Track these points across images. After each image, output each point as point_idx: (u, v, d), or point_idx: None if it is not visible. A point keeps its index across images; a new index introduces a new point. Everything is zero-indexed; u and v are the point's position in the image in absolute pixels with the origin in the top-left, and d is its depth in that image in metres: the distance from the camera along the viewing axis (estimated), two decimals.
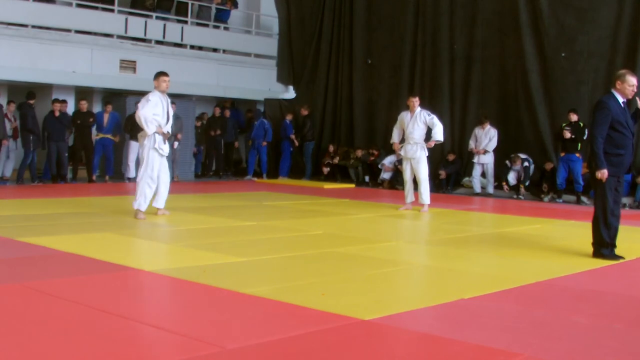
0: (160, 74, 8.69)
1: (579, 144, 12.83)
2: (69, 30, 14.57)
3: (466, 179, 14.90)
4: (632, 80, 6.53)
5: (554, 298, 5.09)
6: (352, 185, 15.70)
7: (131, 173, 14.74)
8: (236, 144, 17.28)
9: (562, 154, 13.16)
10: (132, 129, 14.63)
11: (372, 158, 16.08)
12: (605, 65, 13.52)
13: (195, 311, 4.45)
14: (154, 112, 8.53)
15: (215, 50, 17.31)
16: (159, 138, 8.55)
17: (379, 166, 15.67)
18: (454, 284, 5.45)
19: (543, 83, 14.24)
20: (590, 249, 6.76)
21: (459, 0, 15.49)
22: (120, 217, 8.69)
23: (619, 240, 6.78)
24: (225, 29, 18.01)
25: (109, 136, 14.34)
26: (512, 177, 13.88)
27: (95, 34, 15.02)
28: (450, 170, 14.81)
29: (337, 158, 16.75)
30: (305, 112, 17.08)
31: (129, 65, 15.43)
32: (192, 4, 17.06)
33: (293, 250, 6.70)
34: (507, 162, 13.82)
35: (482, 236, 8.47)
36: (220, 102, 17.57)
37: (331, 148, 16.89)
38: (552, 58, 14.08)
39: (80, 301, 4.44)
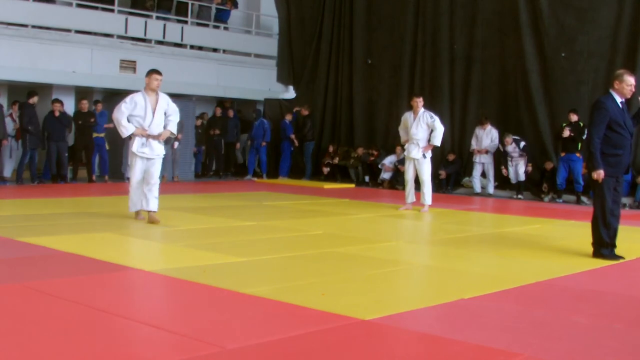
0: (152, 72, 8.38)
1: (579, 144, 12.83)
2: (69, 30, 14.57)
3: (466, 179, 14.90)
4: (630, 80, 6.52)
5: (554, 298, 5.09)
6: (352, 185, 15.70)
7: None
8: (237, 145, 17.27)
9: (562, 154, 13.16)
10: None
11: (372, 158, 16.08)
12: (605, 65, 13.51)
13: (195, 311, 4.45)
14: (134, 113, 8.15)
15: (215, 50, 17.31)
16: (138, 141, 8.15)
17: (379, 166, 15.67)
18: (454, 284, 5.45)
19: (543, 83, 14.24)
20: (590, 249, 6.76)
21: (459, 0, 15.49)
22: (120, 217, 8.69)
23: (619, 240, 6.78)
24: (225, 29, 18.01)
25: (102, 135, 14.31)
26: (512, 173, 13.85)
27: (95, 34, 15.03)
28: (450, 170, 14.82)
29: (337, 158, 16.75)
30: (305, 112, 17.08)
31: (129, 65, 15.44)
32: (192, 4, 17.07)
33: (293, 250, 6.70)
34: (500, 146, 13.84)
35: (482, 236, 8.47)
36: (221, 102, 17.57)
37: (331, 148, 16.89)
38: (552, 58, 14.08)
39: (80, 301, 4.44)
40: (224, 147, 16.95)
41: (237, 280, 5.29)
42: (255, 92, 17.77)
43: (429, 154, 10.59)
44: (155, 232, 7.57)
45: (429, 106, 10.85)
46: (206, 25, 17.41)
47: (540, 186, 13.70)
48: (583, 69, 13.80)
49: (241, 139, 17.51)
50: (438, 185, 14.18)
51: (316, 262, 6.14)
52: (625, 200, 12.55)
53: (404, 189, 11.13)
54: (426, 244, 7.93)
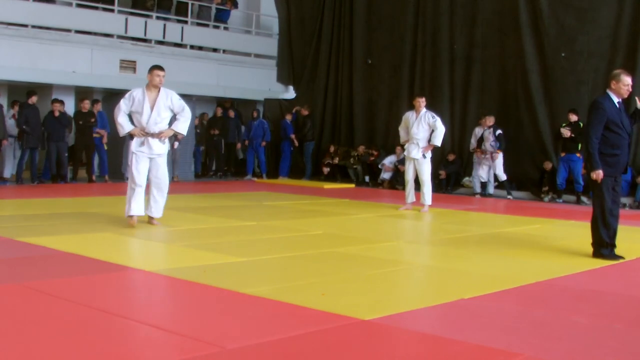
0: (154, 68, 8.06)
1: (579, 144, 12.83)
2: (69, 30, 14.58)
3: (466, 179, 14.90)
4: (627, 79, 6.55)
5: (554, 298, 5.09)
6: (352, 185, 15.70)
7: None
8: (238, 145, 17.27)
9: (562, 154, 13.16)
10: None
11: (372, 158, 16.08)
12: (605, 65, 13.51)
13: (195, 311, 4.45)
14: (133, 110, 7.84)
15: (215, 50, 17.31)
16: (136, 140, 7.84)
17: (379, 166, 15.67)
18: (454, 284, 5.45)
19: (543, 83, 14.24)
20: (590, 249, 6.76)
21: (459, 0, 15.49)
22: (120, 217, 8.68)
23: (619, 240, 6.78)
24: (225, 29, 18.01)
25: (100, 134, 14.30)
26: (485, 172, 13.95)
27: (95, 34, 15.03)
28: (450, 170, 14.82)
29: (337, 158, 16.75)
30: (305, 112, 17.08)
31: (129, 65, 15.44)
32: (192, 4, 17.07)
33: (293, 250, 6.70)
34: (476, 128, 13.94)
35: (482, 236, 8.47)
36: (221, 102, 17.57)
37: (332, 148, 16.89)
38: (552, 58, 14.08)
39: (80, 301, 4.44)
40: (224, 147, 16.95)
41: (237, 280, 5.28)
42: (255, 92, 17.78)
43: (429, 154, 10.59)
44: (155, 232, 7.57)
45: (429, 106, 10.85)
46: (206, 25, 17.41)
47: (541, 186, 13.70)
48: (583, 69, 13.80)
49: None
50: (438, 186, 14.18)
51: (316, 262, 6.13)
52: (625, 200, 12.55)
53: (404, 189, 11.12)
54: (426, 244, 7.93)
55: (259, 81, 17.84)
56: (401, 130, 10.86)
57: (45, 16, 14.29)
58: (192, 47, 16.91)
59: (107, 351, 3.50)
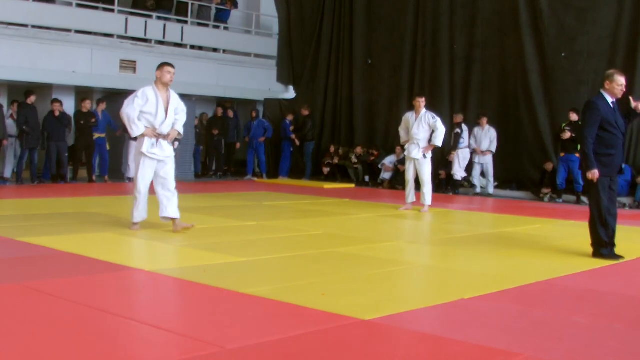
0: (164, 64, 7.55)
1: (579, 144, 12.81)
2: (69, 30, 14.57)
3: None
4: (620, 79, 6.59)
5: (554, 298, 5.09)
6: (352, 185, 15.70)
7: (131, 173, 14.74)
8: (238, 145, 17.27)
9: (562, 154, 13.16)
10: None
11: (372, 158, 16.08)
12: (605, 65, 13.47)
13: (195, 311, 4.45)
14: (145, 110, 7.38)
15: (215, 50, 17.31)
16: (147, 141, 7.40)
17: (379, 166, 15.67)
18: (454, 284, 5.45)
19: (543, 83, 14.24)
20: (590, 249, 6.76)
21: (459, 0, 15.49)
22: (120, 217, 8.69)
23: (619, 240, 6.78)
24: (225, 29, 18.01)
25: (103, 135, 14.33)
26: (458, 168, 14.22)
27: (95, 34, 15.03)
28: (450, 170, 14.81)
29: (337, 158, 16.76)
30: (305, 112, 17.08)
31: (129, 65, 15.44)
32: (192, 4, 17.07)
33: (293, 250, 6.70)
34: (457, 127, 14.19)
35: (482, 236, 8.47)
36: (221, 102, 17.57)
37: (332, 148, 16.90)
38: (552, 58, 14.08)
39: (80, 301, 4.44)
40: (224, 147, 16.95)
41: (237, 280, 5.28)
42: (255, 92, 17.78)
43: (429, 155, 10.59)
44: (155, 232, 7.56)
45: (428, 106, 10.85)
46: (206, 25, 17.41)
47: (541, 186, 13.70)
48: (583, 69, 13.80)
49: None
50: (438, 186, 14.18)
51: (316, 262, 6.13)
52: (625, 200, 12.55)
53: (404, 189, 11.12)
54: (426, 244, 7.92)
55: (259, 81, 17.85)
56: (401, 130, 10.86)
57: (45, 16, 14.29)
58: (192, 47, 16.90)
59: (107, 351, 3.50)
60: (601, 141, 6.55)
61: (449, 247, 7.27)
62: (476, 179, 14.27)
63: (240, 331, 3.99)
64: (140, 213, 7.52)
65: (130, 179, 14.63)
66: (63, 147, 13.67)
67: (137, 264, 5.66)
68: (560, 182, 13.14)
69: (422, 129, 10.48)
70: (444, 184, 14.68)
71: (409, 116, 10.69)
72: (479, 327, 4.18)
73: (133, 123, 7.34)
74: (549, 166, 13.63)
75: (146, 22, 15.86)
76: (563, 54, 13.97)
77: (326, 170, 16.73)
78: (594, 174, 6.48)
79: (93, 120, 14.01)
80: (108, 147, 14.48)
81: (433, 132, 10.47)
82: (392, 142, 15.66)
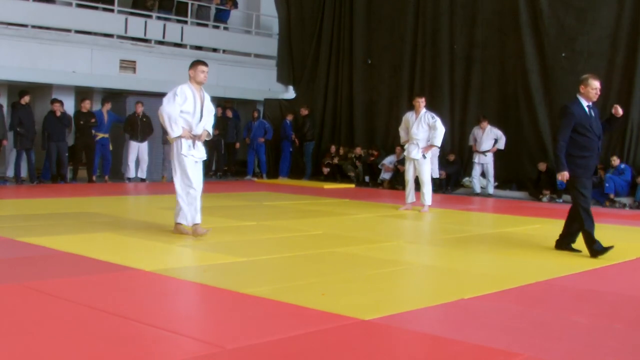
0: (198, 63, 7.28)
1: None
2: (69, 30, 14.57)
3: (466, 179, 14.91)
4: (595, 83, 6.70)
5: (554, 298, 5.09)
6: (352, 185, 15.70)
7: (131, 173, 14.75)
8: (237, 145, 17.26)
9: None
10: (132, 129, 14.67)
11: (372, 158, 16.08)
12: (605, 65, 13.52)
13: (195, 311, 4.45)
14: (183, 109, 7.10)
15: (215, 50, 17.30)
16: (185, 143, 7.16)
17: (379, 166, 15.67)
18: (454, 284, 5.45)
19: (543, 83, 14.25)
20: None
21: (459, 0, 15.49)
22: (120, 217, 8.69)
23: (618, 240, 6.80)
24: (225, 29, 18.01)
25: (106, 135, 14.36)
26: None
27: (95, 34, 15.02)
28: (450, 170, 14.82)
29: (337, 158, 16.76)
30: (305, 112, 17.09)
31: (129, 65, 15.44)
32: (192, 4, 17.06)
33: (293, 250, 6.70)
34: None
35: (482, 236, 8.47)
36: (222, 102, 17.57)
37: (333, 148, 16.90)
38: (552, 58, 14.09)
39: (80, 301, 4.44)
40: (224, 147, 16.95)
41: (237, 280, 5.28)
42: (255, 92, 17.77)
43: (428, 155, 10.59)
44: (155, 232, 7.56)
45: (428, 106, 10.85)
46: (206, 25, 17.41)
47: (537, 187, 13.71)
48: (583, 69, 13.75)
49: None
50: (438, 186, 14.19)
51: (316, 262, 6.14)
52: (625, 200, 12.57)
53: (404, 189, 11.13)
54: (426, 244, 7.92)
55: (259, 81, 17.84)
56: (401, 130, 10.86)
57: (45, 16, 14.28)
58: (192, 47, 16.90)
59: (107, 351, 3.50)
60: (576, 144, 6.69)
61: (449, 247, 7.27)
62: (476, 179, 14.28)
63: (240, 331, 3.99)
64: (192, 215, 7.16)
65: (130, 179, 14.65)
66: (63, 147, 13.67)
67: (137, 264, 5.66)
68: (560, 182, 13.11)
69: (422, 129, 10.48)
70: (444, 184, 14.68)
71: (409, 116, 10.69)
72: (479, 327, 4.18)
73: (174, 123, 7.08)
74: (542, 166, 13.62)
75: (146, 22, 15.86)
76: (563, 54, 13.98)
77: (326, 170, 16.73)
78: (564, 175, 6.65)
79: (93, 120, 14.02)
80: (111, 148, 14.49)
81: (433, 132, 10.47)
82: (392, 142, 15.67)
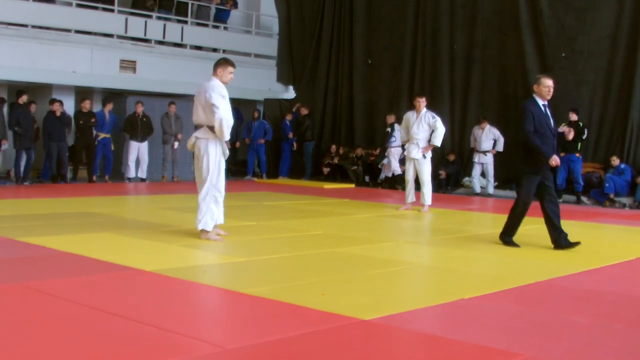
0: (228, 64, 7.18)
1: (579, 144, 12.83)
2: (69, 30, 14.58)
3: (466, 179, 14.90)
4: (547, 82, 6.96)
5: (554, 298, 5.09)
6: (352, 185, 15.70)
7: (131, 173, 14.76)
8: (237, 145, 17.27)
9: (562, 154, 13.13)
10: (132, 129, 14.68)
11: (372, 158, 16.08)
12: (605, 65, 13.53)
13: (195, 311, 4.45)
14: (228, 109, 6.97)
15: (215, 50, 17.30)
16: (223, 145, 7.07)
17: (379, 166, 15.67)
18: (454, 284, 5.45)
19: None
20: (591, 249, 6.84)
21: (459, 0, 15.50)
22: (120, 217, 8.69)
23: (619, 240, 6.80)
24: (225, 29, 18.01)
25: (108, 136, 14.38)
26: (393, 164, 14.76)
27: (95, 34, 15.03)
28: (450, 170, 14.82)
29: (337, 158, 16.76)
30: (305, 111, 17.09)
31: (129, 65, 15.44)
32: (192, 4, 17.06)
33: (293, 250, 6.69)
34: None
35: (482, 236, 8.46)
36: None
37: (333, 148, 16.91)
38: (552, 58, 14.09)
39: (80, 301, 4.44)
40: None
41: (237, 280, 5.28)
42: (255, 92, 17.77)
43: (429, 155, 10.59)
44: (155, 232, 7.56)
45: (428, 106, 10.85)
46: (206, 25, 17.41)
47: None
48: (583, 69, 13.80)
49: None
50: (438, 186, 14.19)
51: (316, 262, 6.13)
52: (625, 200, 12.57)
53: (404, 189, 11.12)
54: (426, 244, 7.92)
55: (259, 81, 17.83)
56: (401, 130, 10.86)
57: (45, 16, 14.29)
58: (192, 47, 16.90)
59: (107, 351, 3.50)
60: None
61: (449, 247, 7.27)
62: (476, 179, 14.28)
63: (240, 331, 3.99)
64: (221, 215, 7.23)
65: (130, 179, 14.66)
66: (63, 147, 13.67)
67: (137, 264, 5.66)
68: (560, 182, 13.13)
69: (422, 128, 10.48)
70: (444, 183, 14.68)
71: (410, 115, 10.69)
72: (479, 327, 4.18)
73: (229, 127, 6.96)
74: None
75: (146, 22, 15.86)
76: (563, 54, 13.98)
77: (326, 170, 16.73)
78: (555, 159, 6.86)
79: (93, 120, 14.02)
80: (113, 148, 14.50)
81: (433, 131, 10.47)
82: None
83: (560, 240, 7.06)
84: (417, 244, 7.84)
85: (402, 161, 12.47)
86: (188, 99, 16.06)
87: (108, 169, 14.51)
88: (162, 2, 16.54)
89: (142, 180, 14.78)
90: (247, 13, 18.85)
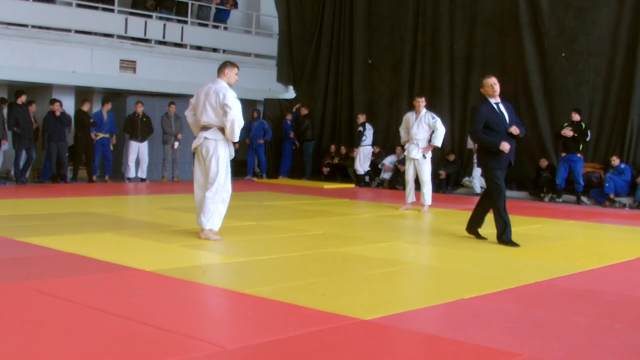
0: (233, 65, 7.39)
1: (581, 145, 12.83)
2: (69, 30, 14.57)
3: (466, 179, 14.90)
4: (489, 81, 7.34)
5: (554, 298, 5.09)
6: (352, 185, 15.70)
7: (131, 173, 14.76)
8: (236, 145, 17.25)
9: (563, 154, 13.15)
10: (132, 129, 14.68)
11: (372, 158, 16.08)
12: (605, 65, 13.53)
13: (195, 311, 4.45)
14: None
15: (215, 50, 17.30)
16: (232, 146, 7.21)
17: (379, 166, 15.67)
18: (454, 284, 5.45)
19: (543, 83, 14.25)
20: (592, 248, 6.80)
21: (459, 0, 15.50)
22: (120, 217, 8.69)
23: (619, 240, 6.80)
24: (225, 29, 18.01)
25: (107, 136, 14.38)
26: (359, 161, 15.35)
27: (95, 34, 15.03)
28: (450, 170, 14.82)
29: (337, 158, 16.76)
30: (305, 111, 17.09)
31: (129, 65, 15.44)
32: (192, 4, 17.06)
33: (293, 250, 6.69)
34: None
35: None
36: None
37: (333, 148, 16.91)
38: (552, 58, 14.09)
39: (80, 301, 4.44)
40: None
41: (237, 280, 5.28)
42: (255, 92, 17.76)
43: (429, 155, 10.59)
44: (155, 232, 7.56)
45: (428, 106, 10.86)
46: (206, 26, 17.41)
47: (537, 184, 13.71)
48: (583, 69, 13.80)
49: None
50: (438, 186, 14.19)
51: (316, 262, 6.13)
52: (625, 200, 12.57)
53: (404, 189, 11.13)
54: (426, 244, 7.92)
55: (259, 81, 17.83)
56: (401, 130, 10.86)
57: (45, 16, 14.29)
58: (192, 47, 16.90)
59: (107, 351, 3.50)
60: None
61: (449, 247, 7.27)
62: (476, 179, 14.28)
63: (240, 331, 3.99)
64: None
65: (130, 179, 14.66)
66: (63, 147, 13.68)
67: (137, 264, 5.66)
68: (560, 181, 13.14)
69: (422, 129, 10.48)
70: (444, 184, 14.68)
71: (409, 116, 10.69)
72: (479, 327, 4.17)
73: (240, 128, 7.04)
74: (544, 163, 13.63)
75: (146, 22, 15.86)
76: (563, 54, 13.97)
77: (326, 170, 16.73)
78: (504, 145, 7.05)
79: (92, 120, 14.02)
80: (112, 147, 14.50)
81: (433, 132, 10.47)
82: (392, 142, 15.66)
83: (475, 229, 7.57)
84: (417, 244, 7.84)
85: (402, 161, 12.47)
86: (188, 99, 16.06)
87: (108, 169, 14.52)
88: (164, 2, 16.53)
89: (142, 180, 14.78)
90: (247, 13, 18.85)
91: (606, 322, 4.44)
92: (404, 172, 11.35)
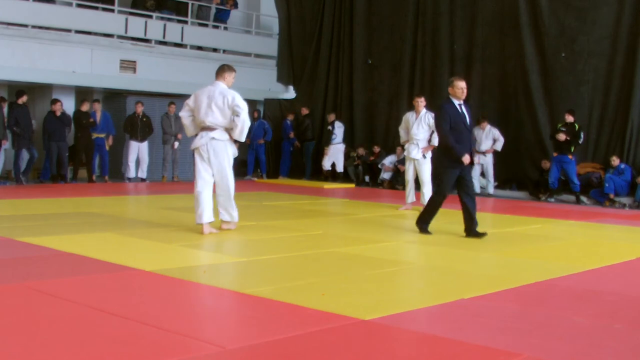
0: (231, 69, 7.59)
1: (572, 146, 12.83)
2: (69, 30, 14.57)
3: None
4: (460, 84, 7.62)
5: (554, 298, 5.09)
6: (352, 185, 15.70)
7: (131, 173, 14.76)
8: (236, 145, 17.25)
9: (555, 154, 13.13)
10: (132, 129, 14.68)
11: (372, 158, 16.08)
12: (605, 65, 13.53)
13: (195, 311, 4.45)
14: None
15: (215, 50, 17.30)
16: (234, 145, 7.48)
17: (379, 166, 15.67)
18: (454, 284, 5.45)
19: (543, 83, 14.25)
20: (592, 248, 6.82)
21: (459, 0, 15.50)
22: (120, 217, 8.69)
23: (618, 240, 6.80)
24: (225, 29, 18.01)
25: (102, 136, 14.35)
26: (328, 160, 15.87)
27: (95, 34, 15.03)
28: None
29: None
30: (305, 111, 17.09)
31: (129, 65, 15.44)
32: (192, 4, 17.06)
33: (293, 250, 6.70)
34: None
35: None
36: None
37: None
38: (552, 58, 14.09)
39: (80, 301, 4.44)
40: None
41: (237, 280, 5.28)
42: (255, 92, 17.74)
43: (428, 155, 10.58)
44: (155, 232, 7.56)
45: (428, 106, 10.85)
46: (206, 26, 17.41)
47: (539, 186, 13.71)
48: (583, 69, 13.80)
49: None
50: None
51: (316, 262, 6.13)
52: (625, 200, 12.57)
53: (404, 189, 11.12)
54: (426, 244, 7.91)
55: (259, 81, 17.82)
56: (401, 130, 10.85)
57: (45, 16, 14.28)
58: (192, 47, 16.90)
59: (107, 351, 3.50)
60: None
61: (449, 247, 7.27)
62: (476, 179, 14.26)
63: (240, 331, 3.99)
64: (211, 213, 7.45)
65: (130, 179, 14.67)
66: (63, 147, 13.67)
67: (137, 264, 5.66)
68: (552, 181, 13.13)
69: (422, 129, 10.48)
70: None
71: (409, 116, 10.69)
72: (479, 327, 4.17)
73: (247, 129, 7.33)
74: (546, 164, 13.63)
75: (146, 22, 15.86)
76: (563, 54, 13.98)
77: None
78: (466, 158, 7.49)
79: (91, 120, 14.02)
80: (107, 147, 14.48)
81: (433, 132, 10.46)
82: (392, 142, 15.66)
83: (472, 229, 7.68)
84: (417, 244, 7.83)
85: (402, 161, 12.46)
86: (188, 99, 16.10)
87: (105, 169, 14.49)
88: (165, 1, 16.53)
89: (142, 180, 14.78)
90: (247, 13, 18.85)
91: (606, 322, 4.44)
92: (404, 172, 11.35)
